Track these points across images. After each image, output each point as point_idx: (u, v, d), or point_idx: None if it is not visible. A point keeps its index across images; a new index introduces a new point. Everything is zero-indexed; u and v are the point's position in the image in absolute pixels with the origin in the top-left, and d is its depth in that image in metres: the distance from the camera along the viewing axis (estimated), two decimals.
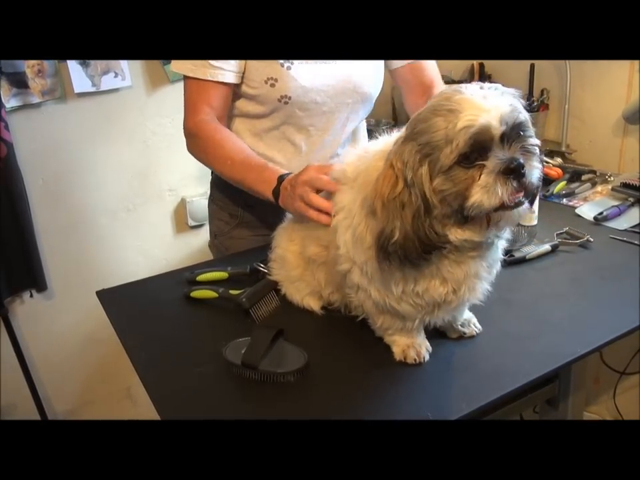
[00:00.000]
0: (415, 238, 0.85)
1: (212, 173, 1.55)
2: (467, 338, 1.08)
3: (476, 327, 1.09)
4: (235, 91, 1.37)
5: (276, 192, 1.20)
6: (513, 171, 0.81)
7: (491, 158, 0.81)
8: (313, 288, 1.17)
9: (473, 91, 0.83)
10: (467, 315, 1.09)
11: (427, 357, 1.02)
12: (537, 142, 0.86)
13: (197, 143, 1.35)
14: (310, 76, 1.33)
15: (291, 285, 1.21)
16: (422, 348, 1.03)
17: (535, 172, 0.84)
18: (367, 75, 1.41)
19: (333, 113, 1.40)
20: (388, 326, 1.02)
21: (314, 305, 1.19)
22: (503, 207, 0.83)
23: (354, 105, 1.42)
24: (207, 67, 1.29)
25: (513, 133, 0.82)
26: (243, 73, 1.34)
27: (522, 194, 0.83)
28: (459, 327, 1.08)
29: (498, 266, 1.00)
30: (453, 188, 0.83)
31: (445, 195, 0.84)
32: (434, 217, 0.86)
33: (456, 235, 0.87)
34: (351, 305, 1.10)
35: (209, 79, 1.30)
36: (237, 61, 1.31)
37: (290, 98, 1.33)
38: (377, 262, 0.91)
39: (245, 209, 1.50)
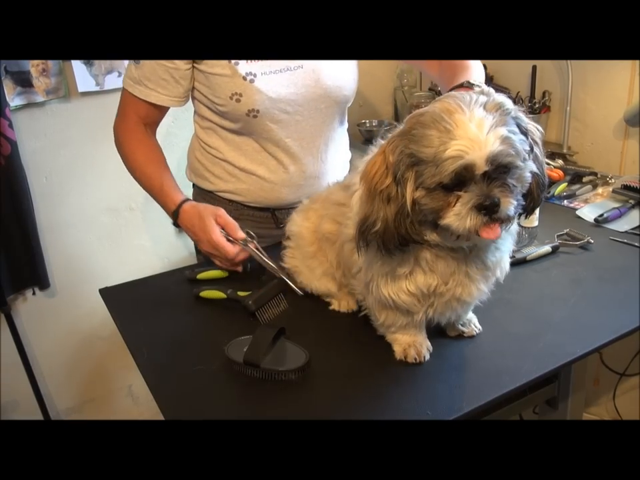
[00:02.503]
0: (395, 232, 0.88)
1: (193, 185, 1.54)
2: (467, 338, 1.09)
3: (476, 327, 1.10)
4: (211, 108, 1.35)
5: (175, 213, 1.33)
6: (486, 208, 0.82)
7: (468, 191, 0.82)
8: (325, 268, 1.18)
9: (473, 110, 0.81)
10: (468, 314, 1.09)
11: (428, 356, 1.03)
12: (525, 175, 0.86)
13: (121, 149, 1.40)
14: (275, 86, 1.28)
15: (306, 267, 1.21)
16: (422, 347, 1.03)
17: (510, 207, 0.84)
18: (337, 77, 1.35)
19: (307, 120, 1.36)
20: (391, 322, 1.03)
21: (331, 286, 1.19)
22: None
23: (328, 109, 1.37)
24: (143, 86, 1.30)
25: (496, 172, 0.82)
26: (192, 93, 1.35)
27: (495, 225, 0.84)
28: (459, 326, 1.09)
29: (501, 271, 1.00)
30: (430, 204, 0.85)
31: (422, 208, 0.86)
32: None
33: (431, 236, 0.90)
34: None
35: (139, 96, 1.31)
36: (177, 85, 1.30)
37: (258, 111, 1.29)
38: (355, 245, 0.94)
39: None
